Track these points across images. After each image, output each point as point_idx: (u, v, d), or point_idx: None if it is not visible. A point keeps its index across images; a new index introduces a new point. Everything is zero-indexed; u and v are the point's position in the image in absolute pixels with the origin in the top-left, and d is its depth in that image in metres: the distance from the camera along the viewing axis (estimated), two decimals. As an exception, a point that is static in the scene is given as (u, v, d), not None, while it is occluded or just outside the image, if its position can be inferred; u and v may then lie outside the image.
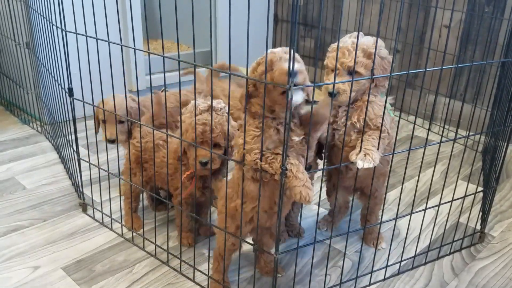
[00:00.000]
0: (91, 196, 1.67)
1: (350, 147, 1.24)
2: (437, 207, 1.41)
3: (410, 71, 1.18)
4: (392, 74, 1.15)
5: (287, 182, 1.02)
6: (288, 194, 1.04)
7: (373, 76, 1.13)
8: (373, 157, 1.15)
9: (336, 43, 1.22)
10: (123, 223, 1.58)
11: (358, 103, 1.25)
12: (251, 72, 1.07)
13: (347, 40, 1.24)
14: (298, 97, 1.00)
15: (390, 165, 1.33)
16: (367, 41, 1.23)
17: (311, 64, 3.23)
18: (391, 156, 1.29)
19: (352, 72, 1.20)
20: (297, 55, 1.02)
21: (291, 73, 0.92)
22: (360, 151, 1.16)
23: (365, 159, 1.15)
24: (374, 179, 1.27)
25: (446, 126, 2.51)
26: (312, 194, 1.02)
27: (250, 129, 1.08)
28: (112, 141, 1.56)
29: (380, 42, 1.24)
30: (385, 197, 1.38)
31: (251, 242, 1.27)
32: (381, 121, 1.22)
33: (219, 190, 1.32)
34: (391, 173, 1.38)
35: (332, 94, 1.18)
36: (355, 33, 1.24)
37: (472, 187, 1.66)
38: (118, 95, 1.48)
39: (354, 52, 1.19)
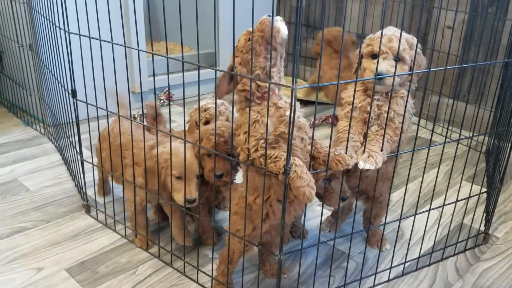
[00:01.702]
0: (94, 198, 1.67)
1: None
2: (441, 208, 1.41)
3: (413, 72, 1.18)
4: (397, 74, 1.15)
5: (290, 182, 1.02)
6: (293, 193, 1.04)
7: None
8: (376, 160, 1.14)
9: (373, 34, 1.26)
10: (127, 224, 1.58)
11: (393, 95, 1.25)
12: (238, 45, 1.11)
13: (387, 32, 1.25)
14: (285, 30, 1.07)
15: (394, 166, 1.32)
16: (404, 34, 1.26)
17: (313, 66, 3.23)
18: (396, 157, 1.28)
19: (398, 58, 1.22)
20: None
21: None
22: (364, 151, 1.16)
23: (367, 160, 1.14)
24: (380, 182, 1.26)
25: (450, 127, 2.50)
26: (314, 194, 1.03)
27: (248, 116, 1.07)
28: (193, 202, 1.29)
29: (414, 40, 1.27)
30: (388, 198, 1.37)
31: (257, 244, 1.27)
32: (401, 121, 1.22)
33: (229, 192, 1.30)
34: (394, 174, 1.38)
35: (380, 76, 1.19)
36: (390, 27, 1.27)
37: (476, 188, 1.65)
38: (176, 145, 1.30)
39: (401, 39, 1.21)
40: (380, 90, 1.24)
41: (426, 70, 1.18)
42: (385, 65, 1.20)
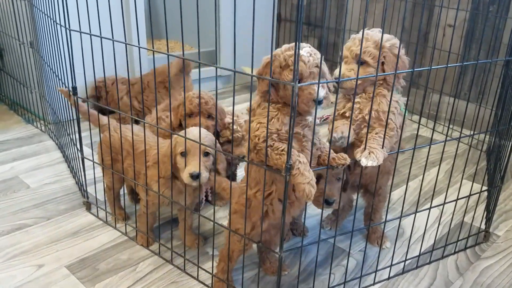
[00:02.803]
0: (95, 195, 1.67)
1: (361, 141, 1.24)
2: (441, 206, 1.41)
3: (415, 69, 1.18)
4: (397, 72, 1.15)
5: (292, 178, 1.02)
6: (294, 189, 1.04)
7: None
8: (377, 156, 1.14)
9: (356, 34, 1.28)
10: (128, 222, 1.58)
11: (369, 95, 1.26)
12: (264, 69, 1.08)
13: (368, 32, 1.26)
14: (321, 93, 1.04)
15: (395, 163, 1.32)
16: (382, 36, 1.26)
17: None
18: (397, 154, 1.29)
19: (360, 61, 1.23)
20: (318, 54, 1.06)
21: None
22: (365, 149, 1.16)
23: (369, 157, 1.15)
24: (379, 175, 1.27)
25: (450, 126, 2.50)
26: (314, 192, 1.03)
27: (266, 110, 1.07)
28: (196, 177, 1.24)
29: (396, 41, 1.27)
30: (389, 196, 1.38)
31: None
32: (391, 118, 1.23)
33: (224, 190, 1.30)
34: (395, 172, 1.38)
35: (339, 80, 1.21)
36: (373, 29, 1.28)
37: (476, 187, 1.65)
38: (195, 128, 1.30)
39: (364, 42, 1.23)
40: (343, 93, 1.31)
41: (427, 68, 1.18)
42: (343, 69, 1.26)
